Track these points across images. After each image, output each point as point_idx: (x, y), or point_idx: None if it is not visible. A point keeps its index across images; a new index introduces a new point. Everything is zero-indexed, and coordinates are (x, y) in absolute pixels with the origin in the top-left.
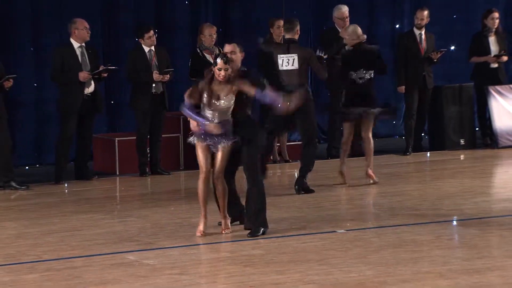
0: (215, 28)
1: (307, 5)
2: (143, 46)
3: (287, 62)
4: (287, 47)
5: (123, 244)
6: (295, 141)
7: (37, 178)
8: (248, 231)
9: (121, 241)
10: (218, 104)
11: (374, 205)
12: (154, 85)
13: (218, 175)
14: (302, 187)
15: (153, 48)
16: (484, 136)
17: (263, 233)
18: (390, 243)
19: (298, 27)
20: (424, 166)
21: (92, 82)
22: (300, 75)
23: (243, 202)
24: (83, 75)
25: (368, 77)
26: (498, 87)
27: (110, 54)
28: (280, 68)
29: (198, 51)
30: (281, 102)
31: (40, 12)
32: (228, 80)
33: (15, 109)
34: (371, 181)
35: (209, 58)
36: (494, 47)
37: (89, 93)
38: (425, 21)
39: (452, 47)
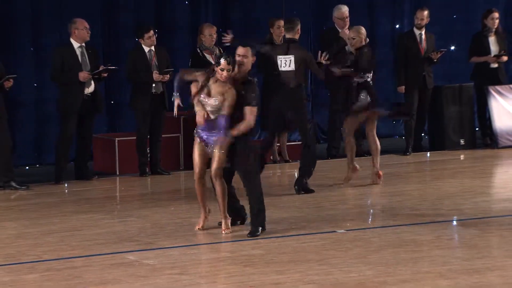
0: (215, 28)
1: (307, 5)
2: (143, 46)
3: (285, 63)
4: (287, 47)
5: (123, 244)
6: (295, 141)
7: (37, 178)
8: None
9: (121, 241)
10: (207, 100)
11: (374, 205)
12: (154, 85)
13: (214, 175)
14: (302, 187)
15: (153, 48)
16: (484, 136)
17: (262, 230)
18: (390, 243)
19: (299, 27)
20: (424, 166)
21: (92, 82)
22: (297, 76)
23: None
24: (83, 75)
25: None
26: (498, 87)
27: (110, 54)
28: (279, 68)
29: (198, 51)
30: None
31: (40, 12)
32: (227, 81)
33: (15, 109)
34: (373, 181)
35: (209, 58)
36: (494, 47)
37: (89, 93)
38: (425, 21)
39: (452, 47)
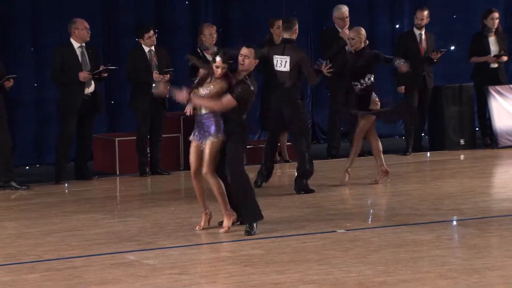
0: (215, 27)
1: (307, 5)
2: (143, 46)
3: (281, 63)
4: (283, 47)
5: (123, 244)
6: None
7: (37, 178)
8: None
9: (121, 241)
10: (198, 91)
11: (374, 205)
12: (154, 85)
13: (205, 172)
14: (301, 187)
15: (153, 48)
16: (484, 136)
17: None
18: (390, 243)
19: (296, 27)
20: (424, 166)
21: (92, 82)
22: (292, 76)
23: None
24: (83, 75)
25: (369, 82)
26: (498, 87)
27: (110, 54)
28: (275, 68)
29: (199, 51)
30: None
31: (40, 12)
32: (223, 78)
33: (15, 109)
34: (377, 180)
35: (210, 58)
36: (494, 47)
37: (89, 93)
38: (425, 21)
39: (452, 47)
